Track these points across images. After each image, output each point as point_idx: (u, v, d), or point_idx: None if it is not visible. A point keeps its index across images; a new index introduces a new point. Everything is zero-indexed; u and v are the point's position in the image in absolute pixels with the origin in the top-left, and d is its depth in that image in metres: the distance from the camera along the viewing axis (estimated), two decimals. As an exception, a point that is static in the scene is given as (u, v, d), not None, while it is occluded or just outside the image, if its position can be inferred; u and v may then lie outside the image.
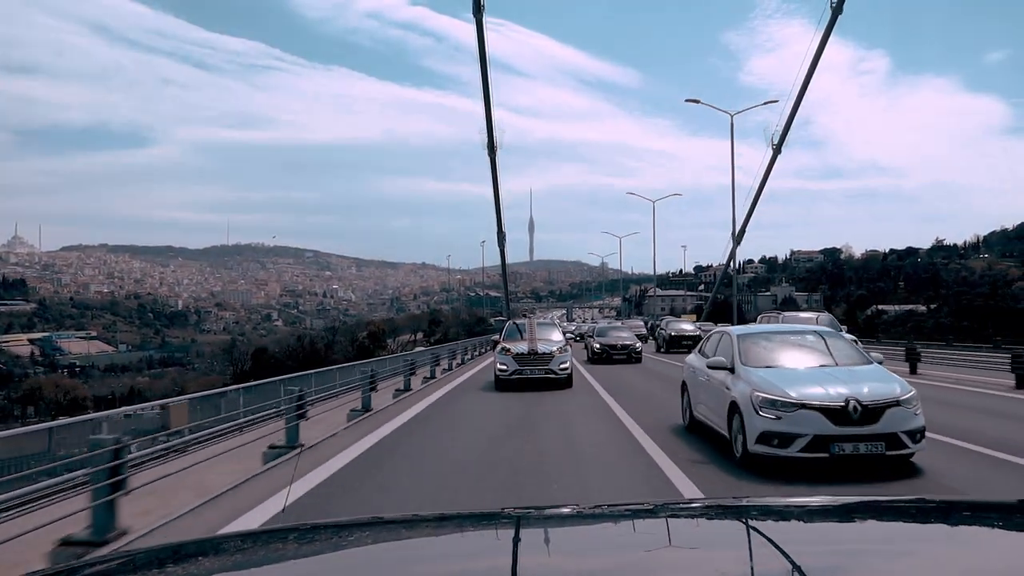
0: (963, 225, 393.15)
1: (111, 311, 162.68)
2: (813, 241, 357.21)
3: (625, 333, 29.53)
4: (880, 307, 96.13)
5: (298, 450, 9.33)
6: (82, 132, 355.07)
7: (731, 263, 47.49)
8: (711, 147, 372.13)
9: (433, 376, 22.51)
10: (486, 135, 35.60)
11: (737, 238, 45.56)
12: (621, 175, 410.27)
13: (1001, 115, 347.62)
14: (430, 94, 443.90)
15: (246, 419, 12.98)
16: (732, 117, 54.40)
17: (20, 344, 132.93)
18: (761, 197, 43.52)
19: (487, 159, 35.97)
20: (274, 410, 12.03)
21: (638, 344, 28.27)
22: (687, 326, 36.41)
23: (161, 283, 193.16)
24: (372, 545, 1.49)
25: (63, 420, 10.28)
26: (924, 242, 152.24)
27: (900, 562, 1.24)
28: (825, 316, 23.26)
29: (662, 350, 34.80)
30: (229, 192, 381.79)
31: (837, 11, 34.85)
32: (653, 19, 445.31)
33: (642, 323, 55.10)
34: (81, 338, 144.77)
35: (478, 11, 32.83)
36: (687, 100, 65.57)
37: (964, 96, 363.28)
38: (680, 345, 33.55)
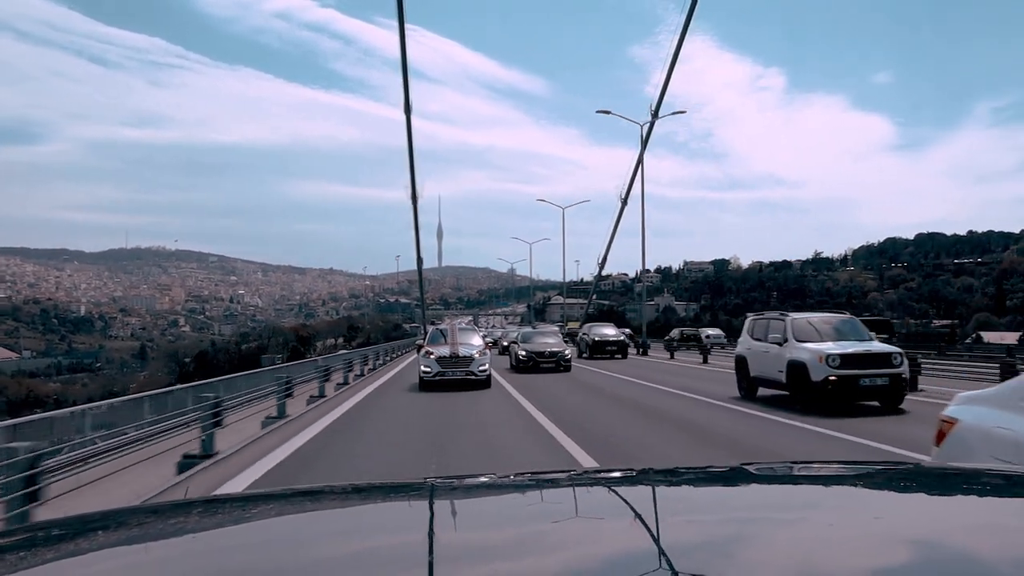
0: (848, 237, 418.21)
1: (12, 317, 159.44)
2: (713, 250, 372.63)
3: (552, 339, 27.20)
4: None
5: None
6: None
7: (592, 295, 55.65)
8: (617, 156, 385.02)
9: (366, 371, 25.10)
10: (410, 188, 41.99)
11: (601, 263, 53.58)
12: (530, 182, 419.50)
13: (886, 133, 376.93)
14: (339, 97, 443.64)
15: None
16: (564, 211, 63.90)
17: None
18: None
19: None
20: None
21: (567, 351, 26.12)
22: (610, 331, 35.41)
23: (57, 288, 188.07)
24: (278, 518, 1.40)
25: (177, 387, 15.11)
26: (811, 253, 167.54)
27: (791, 527, 1.19)
28: (845, 318, 15.41)
29: (584, 356, 33.64)
30: (127, 193, 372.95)
31: (654, 118, 40.68)
32: (562, 31, 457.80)
33: (556, 328, 60.98)
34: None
35: (408, 110, 37.54)
36: (538, 200, 77.45)
37: (853, 114, 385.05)
38: (604, 351, 33.48)
